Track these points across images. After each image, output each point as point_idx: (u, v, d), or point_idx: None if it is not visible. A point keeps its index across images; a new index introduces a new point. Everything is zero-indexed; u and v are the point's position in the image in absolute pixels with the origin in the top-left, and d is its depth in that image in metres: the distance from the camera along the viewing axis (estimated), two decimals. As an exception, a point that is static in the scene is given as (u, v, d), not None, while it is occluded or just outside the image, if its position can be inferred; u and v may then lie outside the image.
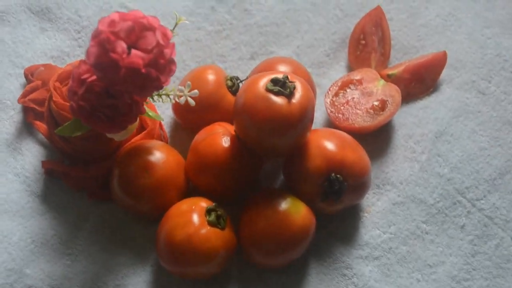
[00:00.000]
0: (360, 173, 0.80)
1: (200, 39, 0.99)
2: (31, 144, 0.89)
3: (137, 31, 0.62)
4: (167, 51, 0.64)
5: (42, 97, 0.88)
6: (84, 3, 0.99)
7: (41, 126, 0.87)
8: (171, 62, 0.66)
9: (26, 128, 0.91)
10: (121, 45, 0.61)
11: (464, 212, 0.88)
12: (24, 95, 0.89)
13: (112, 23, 0.62)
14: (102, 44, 0.62)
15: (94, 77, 0.66)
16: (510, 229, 0.87)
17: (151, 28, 0.63)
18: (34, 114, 0.89)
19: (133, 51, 0.62)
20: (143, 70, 0.62)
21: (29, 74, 0.91)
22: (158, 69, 0.64)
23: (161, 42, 0.63)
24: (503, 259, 0.86)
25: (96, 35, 0.62)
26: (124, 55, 0.61)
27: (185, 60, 0.97)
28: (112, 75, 0.62)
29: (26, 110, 0.90)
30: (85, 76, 0.66)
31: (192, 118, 0.86)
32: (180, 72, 0.95)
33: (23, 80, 0.93)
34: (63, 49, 0.96)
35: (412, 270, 0.84)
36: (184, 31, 0.98)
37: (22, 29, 0.98)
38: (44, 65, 0.92)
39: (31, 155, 0.89)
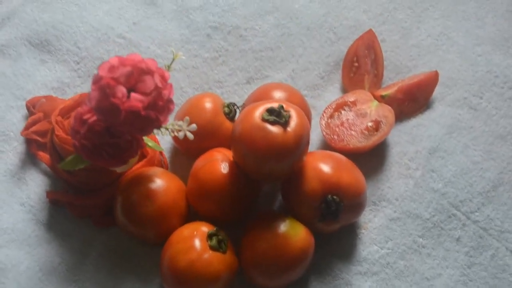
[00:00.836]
0: (356, 193, 0.83)
1: (197, 66, 1.01)
2: (35, 174, 0.92)
3: (136, 75, 0.65)
4: (165, 92, 0.67)
5: (44, 129, 0.90)
6: (82, 35, 1.02)
7: (44, 156, 0.89)
8: (169, 102, 0.68)
9: (30, 158, 0.93)
10: (121, 90, 0.64)
11: (459, 225, 0.90)
12: (27, 128, 0.92)
13: (112, 68, 0.64)
14: (103, 89, 0.64)
15: (95, 118, 0.68)
16: (505, 239, 0.89)
17: (149, 72, 0.65)
18: (37, 145, 0.91)
19: (133, 94, 0.65)
20: (142, 113, 0.65)
21: (31, 106, 0.94)
22: (157, 110, 0.66)
23: (159, 85, 0.66)
24: (498, 269, 0.87)
25: (96, 80, 0.65)
26: (124, 99, 0.64)
27: (182, 87, 0.99)
28: (113, 118, 0.65)
29: (29, 141, 0.93)
30: (86, 116, 0.69)
31: (191, 145, 0.87)
32: (178, 99, 0.98)
33: (25, 111, 0.96)
34: (63, 80, 0.99)
35: (410, 284, 0.86)
36: (180, 59, 1.00)
37: (23, 62, 1.00)
38: (45, 97, 0.94)
39: (36, 185, 0.91)
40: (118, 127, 0.67)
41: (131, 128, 0.66)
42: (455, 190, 0.92)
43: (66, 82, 0.99)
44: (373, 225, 0.90)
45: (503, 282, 0.87)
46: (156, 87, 0.65)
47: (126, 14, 1.05)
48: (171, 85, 0.68)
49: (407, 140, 0.96)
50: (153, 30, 1.04)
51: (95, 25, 1.03)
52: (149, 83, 0.65)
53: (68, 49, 1.01)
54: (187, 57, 1.01)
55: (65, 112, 0.85)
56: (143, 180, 0.83)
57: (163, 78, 0.67)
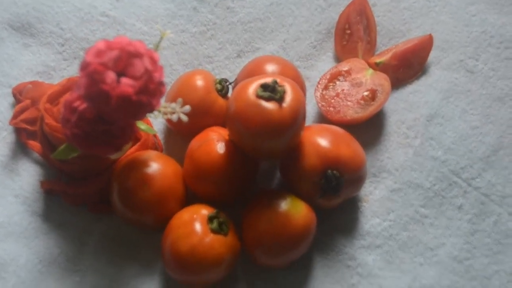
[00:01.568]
0: (356, 166, 0.81)
1: (185, 41, 0.98)
2: (27, 164, 0.89)
3: (125, 59, 0.62)
4: (156, 75, 0.64)
5: (33, 116, 0.87)
6: (65, 15, 0.98)
7: (35, 145, 0.87)
8: (161, 84, 0.66)
9: (20, 148, 0.90)
10: (110, 76, 0.61)
11: (460, 193, 0.89)
12: (15, 116, 0.89)
13: (99, 53, 0.61)
14: (91, 75, 0.61)
15: (85, 105, 0.66)
16: (507, 204, 0.89)
17: (138, 55, 0.63)
18: (26, 134, 0.89)
19: (123, 79, 0.62)
20: (134, 98, 0.62)
21: (18, 93, 0.91)
22: (148, 94, 0.64)
23: (150, 67, 0.63)
24: (502, 235, 0.87)
25: (84, 66, 0.62)
26: (114, 85, 0.61)
27: (172, 64, 0.97)
28: (104, 105, 0.62)
29: (18, 131, 0.90)
30: (76, 103, 0.66)
31: (185, 125, 0.85)
32: (168, 77, 0.95)
33: (11, 99, 0.93)
34: (49, 63, 0.96)
35: (414, 255, 0.85)
36: (168, 36, 0.97)
37: (5, 47, 0.97)
38: (31, 83, 0.91)
39: (28, 175, 0.89)
40: (109, 114, 0.64)
41: (123, 114, 0.64)
42: (455, 157, 0.91)
43: (52, 66, 0.96)
44: (374, 197, 0.89)
45: (507, 248, 0.86)
46: (147, 70, 0.63)
47: (108, -9, 1.01)
48: (161, 67, 0.66)
49: (404, 108, 0.94)
50: (137, 6, 1.00)
51: (78, 5, 0.99)
52: (139, 66, 0.62)
53: (51, 31, 0.98)
54: (174, 32, 0.98)
55: (54, 98, 0.82)
56: (138, 165, 0.80)
57: (153, 60, 0.64)
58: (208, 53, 0.98)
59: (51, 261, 0.84)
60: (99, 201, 0.85)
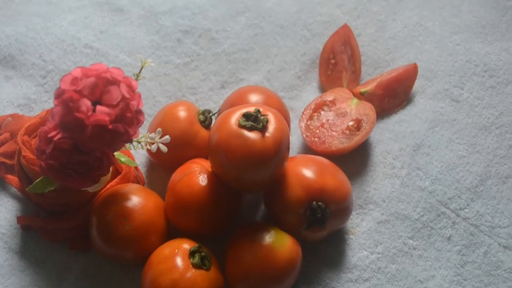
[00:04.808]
0: (341, 198, 0.80)
1: (168, 73, 0.97)
2: (4, 199, 0.87)
3: (101, 87, 0.61)
4: (133, 103, 0.62)
5: (12, 150, 0.86)
6: (47, 47, 0.97)
7: (13, 179, 0.85)
8: (139, 113, 0.64)
9: (-1, 182, 0.89)
10: (85, 103, 0.60)
11: (449, 223, 0.87)
12: (-7, 150, 0.87)
13: (74, 80, 0.60)
14: (66, 103, 0.60)
15: (60, 135, 0.64)
16: (496, 235, 0.87)
17: (115, 82, 0.61)
18: (5, 168, 0.86)
19: (98, 107, 0.60)
20: (110, 127, 0.60)
21: (-3, 126, 0.89)
22: (125, 122, 0.62)
23: (126, 95, 0.61)
24: (492, 266, 0.85)
25: (59, 94, 0.61)
26: (89, 113, 0.60)
27: (155, 96, 0.95)
28: (79, 134, 0.60)
29: (-3, 164, 0.88)
30: (52, 134, 0.64)
31: (167, 157, 0.83)
32: (150, 109, 0.94)
33: (-9, 132, 0.91)
34: (30, 96, 0.94)
35: (404, 288, 0.84)
36: (151, 67, 0.96)
37: (-13, 79, 0.96)
38: (11, 116, 0.89)
39: (6, 210, 0.86)
40: (85, 143, 0.62)
41: (99, 143, 0.62)
42: (442, 187, 0.90)
43: (33, 98, 0.94)
44: (361, 229, 0.87)
45: (498, 279, 0.85)
46: (123, 97, 0.61)
47: (92, 23, 1.00)
48: (139, 95, 0.64)
49: (390, 138, 0.93)
50: (121, 37, 0.99)
51: (60, 36, 0.98)
52: (115, 94, 0.61)
53: (33, 63, 0.96)
54: (158, 64, 0.97)
55: (32, 131, 0.81)
56: (118, 199, 0.78)
57: (131, 88, 0.63)
58: (192, 84, 0.97)
59: (27, 299, 0.81)
60: (79, 237, 0.83)
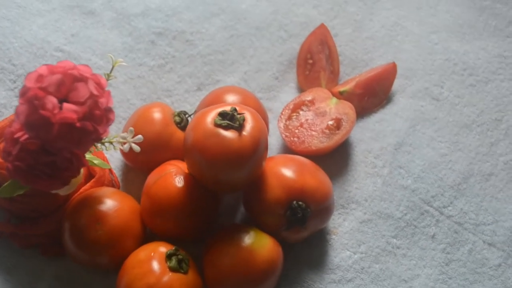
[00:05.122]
0: (322, 197, 0.78)
1: (142, 75, 0.95)
2: (-27, 206, 0.84)
3: (68, 84, 0.58)
4: (102, 100, 0.60)
5: (-20, 156, 0.82)
6: (16, 51, 0.95)
7: (-18, 186, 0.82)
8: (108, 111, 0.62)
9: (-33, 189, 0.85)
10: (51, 101, 0.57)
11: (433, 222, 0.86)
12: (-39, 156, 0.84)
13: (39, 78, 0.58)
14: (31, 101, 0.57)
15: (27, 135, 0.61)
16: (481, 232, 0.86)
17: (82, 79, 0.59)
18: (-26, 174, 0.83)
19: (65, 105, 0.58)
20: (77, 125, 0.58)
21: (-35, 132, 0.86)
22: (94, 120, 0.60)
23: (95, 92, 0.59)
24: (477, 263, 0.84)
25: (24, 92, 0.58)
26: (56, 111, 0.57)
27: (129, 99, 0.93)
28: (45, 133, 0.58)
29: (-35, 171, 0.85)
30: (18, 134, 0.62)
31: (142, 160, 0.82)
32: (125, 112, 0.92)
33: (-40, 139, 0.88)
34: (0, 101, 0.92)
35: (388, 288, 0.82)
36: (125, 69, 0.94)
37: (-45, 85, 0.93)
38: (-20, 121, 0.87)
39: (-24, 218, 0.83)
40: (52, 143, 0.60)
41: (67, 142, 0.59)
42: (425, 185, 0.88)
43: (3, 103, 0.91)
44: (343, 229, 0.85)
45: (484, 277, 0.84)
46: (92, 95, 0.59)
47: (63, 26, 0.98)
48: (109, 93, 0.62)
49: (370, 137, 0.91)
50: (92, 40, 0.97)
51: (30, 40, 0.96)
52: (83, 91, 0.58)
53: (2, 67, 0.94)
54: (131, 66, 0.95)
55: (0, 135, 0.77)
56: (91, 202, 0.76)
57: (100, 85, 0.60)
58: (167, 87, 0.94)
59: (-2, 309, 0.78)
60: (52, 243, 0.80)
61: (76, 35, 0.97)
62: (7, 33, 0.96)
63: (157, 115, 0.82)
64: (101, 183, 0.81)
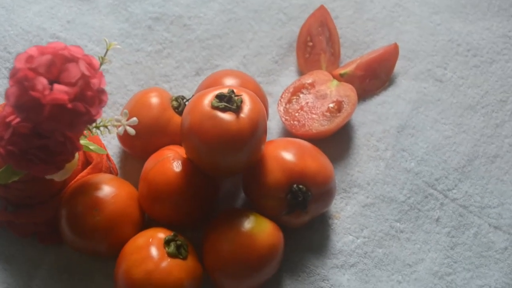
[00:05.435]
0: (323, 180, 0.76)
1: (140, 61, 0.94)
2: (-30, 195, 0.83)
3: (58, 64, 0.57)
4: (94, 81, 0.59)
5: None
6: (12, 39, 0.94)
7: (-22, 174, 0.80)
8: (101, 92, 0.60)
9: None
10: (41, 82, 0.56)
11: (437, 205, 0.85)
12: (-43, 145, 0.82)
13: (29, 58, 0.56)
14: (21, 82, 0.56)
15: (19, 119, 0.60)
16: (486, 215, 0.85)
17: (73, 59, 0.57)
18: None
19: (56, 86, 0.56)
20: (69, 106, 0.56)
21: (-39, 121, 0.85)
22: (86, 102, 0.58)
23: (86, 72, 0.58)
24: (483, 247, 0.83)
25: (13, 73, 0.57)
26: (46, 92, 0.56)
27: (126, 85, 0.92)
28: (36, 115, 0.56)
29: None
30: (9, 118, 0.60)
31: (139, 145, 0.81)
32: (123, 98, 0.91)
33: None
34: (-5, 89, 0.91)
35: (392, 272, 0.80)
36: (122, 55, 0.93)
37: (-50, 74, 0.92)
38: (-24, 110, 0.86)
39: (-28, 207, 0.82)
40: (43, 126, 0.58)
41: (59, 124, 0.58)
42: (429, 168, 0.87)
43: (-1, 92, 0.91)
44: (345, 213, 0.84)
45: (490, 260, 0.82)
46: (83, 75, 0.57)
47: (58, 13, 0.96)
48: (101, 74, 0.60)
49: (372, 120, 0.90)
50: (89, 27, 0.96)
51: (26, 27, 0.94)
52: (74, 71, 0.57)
53: (-3, 55, 0.93)
54: (128, 52, 0.94)
55: (-6, 121, 0.76)
56: (88, 189, 0.75)
57: (91, 66, 0.59)
58: (165, 72, 0.93)
59: (-4, 298, 0.77)
60: (50, 231, 0.79)
61: (72, 22, 0.96)
62: (2, 20, 0.95)
63: (154, 100, 0.81)
64: (98, 170, 0.80)
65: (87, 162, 0.80)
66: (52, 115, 0.56)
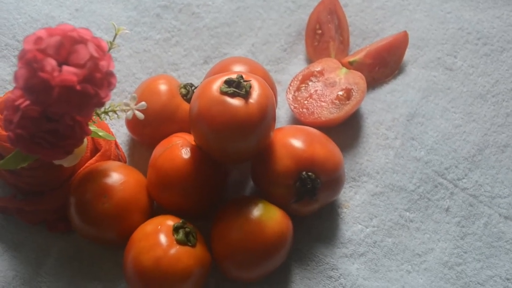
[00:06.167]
0: (332, 168, 0.76)
1: (148, 49, 0.93)
2: (-21, 182, 0.83)
3: (67, 46, 0.56)
4: (103, 63, 0.58)
5: (-15, 131, 0.81)
6: (21, 27, 0.93)
7: (-13, 161, 0.80)
8: (110, 75, 0.60)
9: (-27, 165, 0.84)
10: (50, 63, 0.55)
11: (447, 194, 0.84)
12: (-35, 131, 0.82)
13: (38, 40, 0.56)
14: (30, 64, 0.56)
15: (28, 102, 0.60)
16: (496, 205, 0.84)
17: (82, 41, 0.57)
18: (-21, 150, 0.82)
19: (65, 67, 0.56)
20: (78, 87, 0.56)
21: (-30, 109, 0.85)
22: (95, 84, 0.58)
23: (95, 54, 0.57)
24: (493, 237, 0.82)
25: (22, 55, 0.56)
26: (55, 73, 0.55)
27: (135, 73, 0.91)
28: (45, 96, 0.56)
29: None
30: (18, 101, 0.60)
31: (148, 133, 0.80)
32: (131, 86, 0.90)
33: (-35, 115, 0.87)
34: (4, 77, 0.90)
35: (401, 262, 0.80)
36: (130, 43, 0.93)
37: (-41, 61, 0.92)
38: (-16, 97, 0.85)
39: (-19, 194, 0.82)
40: (52, 108, 0.58)
41: (68, 106, 0.58)
42: (438, 157, 0.86)
43: (7, 79, 0.90)
44: (354, 202, 0.83)
45: (500, 251, 0.82)
46: (92, 57, 0.57)
47: (67, 1, 0.96)
48: (110, 56, 0.60)
49: (382, 108, 0.89)
50: (97, 15, 0.95)
51: (34, 16, 0.94)
52: (83, 53, 0.56)
53: (6, 43, 0.92)
54: (137, 40, 0.93)
55: (3, 108, 0.76)
56: (97, 176, 0.75)
57: (100, 48, 0.58)
58: (174, 60, 0.93)
59: (5, 285, 0.77)
60: (58, 219, 0.79)
61: (80, 10, 0.96)
62: (11, 9, 0.95)
63: (163, 87, 0.81)
64: (107, 157, 0.80)
65: (95, 149, 0.80)
66: (61, 97, 0.56)
